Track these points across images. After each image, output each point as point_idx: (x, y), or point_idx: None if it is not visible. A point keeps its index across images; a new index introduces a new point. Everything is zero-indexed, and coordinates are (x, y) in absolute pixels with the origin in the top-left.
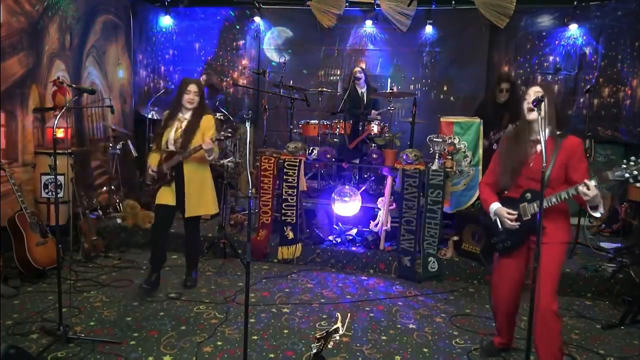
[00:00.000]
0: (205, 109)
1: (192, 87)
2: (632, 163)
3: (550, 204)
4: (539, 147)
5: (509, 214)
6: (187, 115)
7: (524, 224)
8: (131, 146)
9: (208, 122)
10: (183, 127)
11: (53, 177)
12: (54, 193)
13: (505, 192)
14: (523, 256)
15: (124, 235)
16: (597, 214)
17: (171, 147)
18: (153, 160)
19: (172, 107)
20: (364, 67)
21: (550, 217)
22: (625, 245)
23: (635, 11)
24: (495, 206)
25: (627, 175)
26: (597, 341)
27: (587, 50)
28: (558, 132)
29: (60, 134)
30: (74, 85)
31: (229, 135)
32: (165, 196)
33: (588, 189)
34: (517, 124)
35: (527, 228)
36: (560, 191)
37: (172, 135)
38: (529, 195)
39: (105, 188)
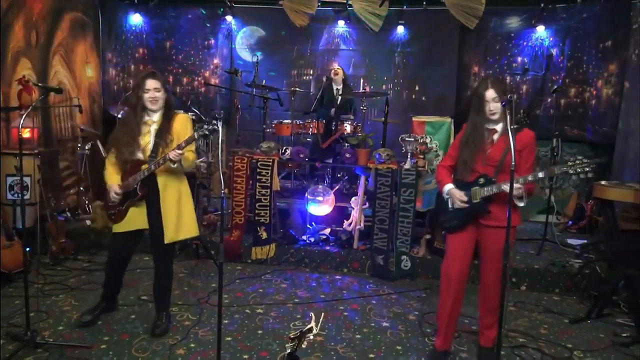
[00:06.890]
0: (174, 108)
1: (152, 83)
2: (577, 162)
3: (500, 190)
4: (495, 137)
5: (460, 196)
6: (155, 117)
7: (472, 205)
8: (100, 146)
9: (183, 123)
10: (152, 131)
11: (19, 178)
12: (19, 195)
13: (460, 175)
14: (471, 238)
15: (94, 238)
16: (522, 204)
17: (139, 156)
18: (112, 177)
19: (133, 108)
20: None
21: (497, 202)
22: (591, 242)
23: (599, 13)
24: (449, 187)
25: (570, 172)
26: (564, 335)
27: (554, 51)
28: (515, 126)
29: (26, 134)
30: (40, 84)
31: (206, 133)
32: (132, 219)
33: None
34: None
35: (474, 210)
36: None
37: (139, 141)
38: (482, 180)
39: (73, 189)
